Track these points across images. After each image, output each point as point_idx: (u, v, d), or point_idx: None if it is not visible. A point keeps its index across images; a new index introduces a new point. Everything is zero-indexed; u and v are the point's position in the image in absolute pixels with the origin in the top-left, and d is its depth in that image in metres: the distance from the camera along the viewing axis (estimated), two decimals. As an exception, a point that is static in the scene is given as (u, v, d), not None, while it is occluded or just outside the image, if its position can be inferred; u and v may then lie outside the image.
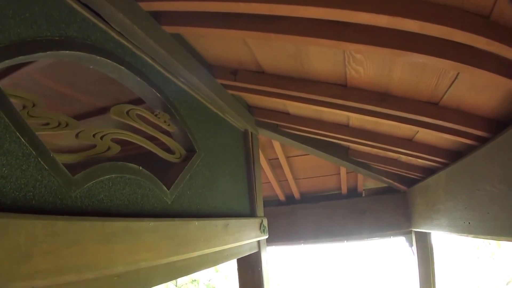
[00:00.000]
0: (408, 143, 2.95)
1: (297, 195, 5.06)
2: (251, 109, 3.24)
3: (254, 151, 3.17)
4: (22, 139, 1.00)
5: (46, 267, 0.95)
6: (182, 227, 1.70)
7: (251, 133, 3.15)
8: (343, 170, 4.45)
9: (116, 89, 2.35)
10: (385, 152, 3.34)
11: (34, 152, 1.03)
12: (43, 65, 2.04)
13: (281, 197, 5.14)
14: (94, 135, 1.40)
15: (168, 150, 1.91)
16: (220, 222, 2.15)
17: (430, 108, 2.14)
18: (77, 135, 1.34)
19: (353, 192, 4.97)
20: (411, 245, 5.04)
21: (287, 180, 4.71)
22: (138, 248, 1.34)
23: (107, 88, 2.49)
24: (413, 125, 2.34)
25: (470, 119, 2.09)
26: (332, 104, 2.39)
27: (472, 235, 2.52)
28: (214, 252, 2.09)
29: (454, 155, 2.78)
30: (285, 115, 3.19)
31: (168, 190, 1.72)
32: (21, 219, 0.91)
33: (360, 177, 4.66)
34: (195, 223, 1.82)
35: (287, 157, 4.29)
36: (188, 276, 18.90)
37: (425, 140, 2.86)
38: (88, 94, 2.58)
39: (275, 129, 3.43)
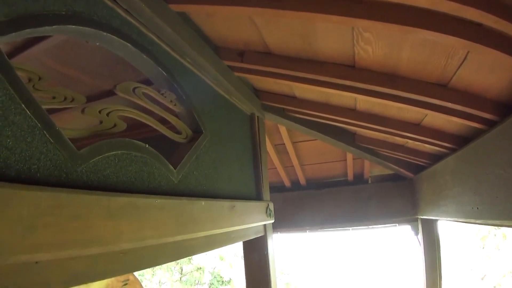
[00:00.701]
0: (416, 127, 2.92)
1: (303, 181, 5.04)
2: (258, 93, 3.22)
3: (261, 135, 3.16)
4: (27, 111, 0.99)
5: (49, 240, 0.94)
6: (188, 206, 1.69)
7: (258, 117, 3.14)
8: (349, 156, 4.43)
9: (122, 71, 2.34)
10: (393, 137, 3.31)
11: (39, 125, 1.02)
12: (48, 46, 2.03)
13: (287, 183, 5.13)
14: (100, 111, 1.38)
15: (175, 130, 1.89)
16: (226, 204, 2.14)
17: (439, 90, 2.12)
18: (82, 111, 1.33)
19: (359, 179, 4.96)
20: (416, 233, 5.02)
21: (293, 166, 4.70)
22: (144, 225, 1.33)
23: (113, 71, 2.48)
24: (421, 107, 2.31)
25: (478, 101, 2.07)
26: (340, 86, 2.37)
27: (480, 221, 2.50)
28: (220, 233, 2.08)
29: (462, 141, 2.75)
30: (292, 99, 3.16)
31: (175, 169, 1.71)
32: (25, 191, 0.90)
33: (366, 163, 4.64)
34: (202, 203, 1.81)
35: (293, 143, 4.27)
36: (193, 264, 19.07)
37: (433, 125, 2.83)
38: (93, 76, 2.56)
39: (282, 113, 3.40)
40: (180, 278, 20.85)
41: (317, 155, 4.64)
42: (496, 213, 2.17)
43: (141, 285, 1.93)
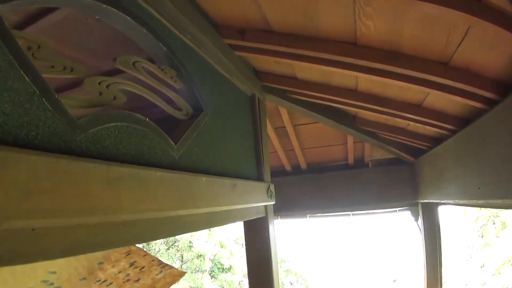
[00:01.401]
0: (417, 108, 2.91)
1: (303, 165, 5.04)
2: (258, 74, 3.20)
3: (261, 116, 3.14)
4: (26, 78, 0.97)
5: (47, 206, 0.93)
6: (190, 182, 1.68)
7: (258, 98, 3.12)
8: (350, 140, 4.43)
9: (123, 52, 2.32)
10: (394, 119, 3.30)
11: (38, 92, 1.01)
12: (46, 25, 2.00)
13: (288, 167, 5.13)
14: (99, 83, 1.37)
15: (175, 107, 1.88)
16: (228, 182, 2.13)
17: (441, 67, 2.10)
18: (82, 81, 1.31)
19: (359, 163, 4.95)
20: (416, 219, 5.03)
21: (293, 149, 4.69)
22: (144, 197, 1.32)
23: (113, 51, 2.46)
24: (423, 85, 2.30)
25: (479, 80, 2.06)
26: (341, 63, 2.35)
27: (482, 201, 2.49)
28: (221, 211, 2.08)
29: (463, 122, 2.74)
30: (293, 80, 3.14)
31: (175, 145, 1.70)
32: (22, 154, 0.89)
33: (367, 147, 4.63)
34: (203, 179, 1.80)
35: (294, 126, 4.25)
36: (193, 251, 19.14)
37: (434, 106, 2.82)
38: (93, 56, 2.54)
39: (282, 95, 3.39)
40: (181, 265, 20.92)
41: (317, 138, 4.63)
42: (498, 192, 2.16)
43: (145, 252, 1.94)
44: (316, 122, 4.12)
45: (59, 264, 1.66)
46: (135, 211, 1.27)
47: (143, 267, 2.07)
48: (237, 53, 2.65)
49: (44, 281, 1.69)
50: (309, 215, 6.17)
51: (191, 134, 1.87)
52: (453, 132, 2.95)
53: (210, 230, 21.50)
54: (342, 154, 4.87)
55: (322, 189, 4.94)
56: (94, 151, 1.18)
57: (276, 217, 3.88)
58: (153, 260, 2.16)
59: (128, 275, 2.09)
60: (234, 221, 2.36)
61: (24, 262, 0.91)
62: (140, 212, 1.30)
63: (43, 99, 1.02)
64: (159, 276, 2.23)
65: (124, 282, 2.09)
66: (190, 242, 19.65)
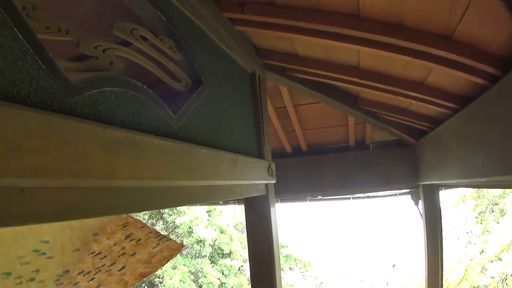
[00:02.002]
0: (420, 86, 2.87)
1: (304, 147, 5.00)
2: (259, 52, 3.16)
3: (262, 94, 3.11)
4: (20, 36, 0.94)
5: (37, 165, 0.89)
6: (189, 152, 1.65)
7: (259, 76, 3.09)
8: (351, 121, 4.38)
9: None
10: (396, 98, 3.26)
11: (31, 50, 0.97)
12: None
13: (288, 149, 5.09)
14: (96, 47, 1.33)
15: (173, 78, 1.84)
16: (228, 156, 2.11)
17: (444, 41, 2.07)
18: (77, 44, 1.27)
19: (361, 145, 4.91)
20: (416, 203, 5.01)
21: (294, 130, 4.65)
22: (142, 164, 1.28)
23: (107, 23, 2.41)
24: (426, 60, 2.26)
25: (482, 55, 2.03)
26: (343, 37, 2.30)
27: (485, 179, 2.46)
28: (222, 185, 2.06)
29: (465, 101, 2.70)
30: (294, 57, 3.10)
31: (174, 116, 1.67)
32: (12, 108, 0.85)
33: (368, 129, 4.59)
34: (203, 151, 1.77)
35: (295, 106, 4.20)
36: (193, 237, 19.20)
37: (437, 84, 2.78)
38: (86, 30, 2.49)
39: (283, 73, 3.34)
40: (181, 252, 20.99)
41: (318, 119, 4.58)
42: (502, 168, 2.13)
43: (142, 224, 1.91)
44: (317, 102, 4.08)
45: (52, 233, 1.63)
46: (132, 177, 1.23)
47: (139, 240, 2.04)
48: (237, 27, 2.61)
49: (36, 251, 1.67)
50: (309, 198, 6.15)
51: (190, 105, 1.83)
52: (455, 111, 2.92)
53: (210, 215, 21.60)
54: (343, 136, 4.83)
55: (323, 171, 4.90)
56: (89, 114, 1.15)
57: (276, 200, 3.85)
58: (150, 232, 2.13)
59: (123, 248, 2.07)
60: (235, 197, 2.34)
61: (13, 224, 0.88)
62: (138, 179, 1.27)
63: (37, 58, 0.98)
64: (156, 249, 2.20)
65: (119, 256, 2.07)
66: (190, 227, 19.70)
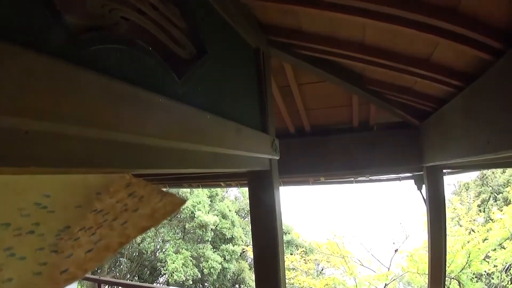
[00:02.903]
0: (425, 63, 2.87)
1: (307, 127, 4.98)
2: (263, 28, 3.14)
3: (266, 70, 3.10)
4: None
5: (41, 107, 0.89)
6: (194, 116, 1.66)
7: (263, 52, 3.08)
8: (355, 102, 4.36)
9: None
10: (401, 76, 3.24)
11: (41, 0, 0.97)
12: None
13: (291, 129, 5.08)
14: (102, 6, 1.33)
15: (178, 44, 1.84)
16: (233, 125, 2.11)
17: (449, 13, 2.07)
18: (85, 2, 1.28)
19: (364, 126, 4.88)
20: (420, 187, 5.01)
21: (297, 110, 4.63)
22: (146, 121, 1.29)
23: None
24: (432, 33, 2.26)
25: (486, 28, 2.04)
26: (349, 8, 2.30)
27: (491, 155, 2.46)
28: (225, 154, 2.06)
29: (469, 79, 2.71)
30: (298, 33, 3.09)
31: (179, 80, 1.67)
32: (18, 49, 0.85)
33: (372, 109, 4.56)
34: (207, 116, 1.78)
35: (299, 85, 4.18)
36: (195, 221, 19.31)
37: (442, 60, 2.78)
38: None
39: (288, 49, 3.33)
40: (183, 236, 21.15)
41: (322, 99, 4.55)
42: (508, 143, 2.13)
43: (146, 183, 1.91)
44: (321, 82, 4.06)
45: (54, 188, 1.64)
46: (136, 132, 1.24)
47: (142, 197, 2.04)
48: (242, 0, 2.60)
49: (37, 204, 1.67)
50: (312, 181, 6.17)
51: (194, 73, 1.83)
52: (459, 90, 2.92)
53: (212, 201, 21.71)
54: (347, 117, 4.80)
55: (326, 152, 4.89)
56: (94, 68, 1.14)
57: (279, 183, 3.85)
58: (153, 189, 2.13)
59: (126, 205, 2.07)
60: (238, 168, 2.35)
61: (15, 164, 0.88)
62: (141, 135, 1.27)
63: (45, 8, 0.98)
64: (159, 205, 2.20)
65: (121, 212, 2.07)
66: (192, 212, 19.82)
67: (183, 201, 1.84)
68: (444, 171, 4.59)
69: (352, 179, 6.08)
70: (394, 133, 4.72)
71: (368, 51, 2.95)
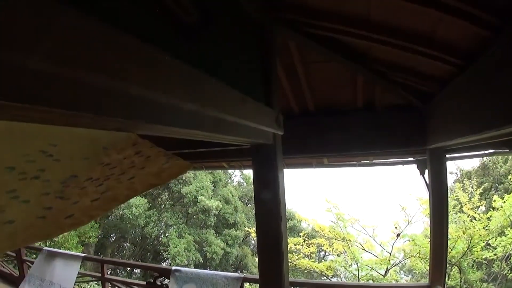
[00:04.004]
0: (428, 41, 2.88)
1: (311, 108, 4.97)
2: (269, 4, 3.14)
3: (271, 47, 3.12)
4: None
5: (56, 51, 0.91)
6: (199, 78, 1.67)
7: (268, 27, 3.09)
8: (359, 82, 4.35)
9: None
10: (404, 55, 3.25)
11: None
12: None
13: (295, 110, 5.07)
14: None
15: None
16: (238, 94, 2.13)
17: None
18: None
19: (368, 107, 4.86)
20: (423, 172, 5.02)
21: (302, 90, 4.63)
22: (153, 76, 1.31)
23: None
24: (434, 8, 2.28)
25: (487, 4, 2.08)
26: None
27: (494, 130, 2.47)
28: (230, 121, 2.08)
29: (470, 57, 2.74)
30: (304, 9, 3.09)
31: (183, 43, 1.69)
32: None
33: (377, 90, 4.54)
34: (213, 80, 1.80)
35: (303, 64, 4.17)
36: (198, 206, 19.35)
37: (444, 37, 2.79)
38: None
39: (293, 27, 3.34)
40: (186, 221, 21.21)
41: (327, 79, 4.54)
42: (510, 118, 2.15)
43: (151, 143, 1.94)
44: (326, 61, 4.06)
45: (61, 138, 1.67)
46: (143, 86, 1.26)
47: (149, 156, 2.08)
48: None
49: (43, 152, 1.70)
50: (315, 164, 6.17)
51: (200, 39, 1.85)
52: (462, 69, 2.95)
53: (215, 186, 21.76)
54: (351, 97, 4.79)
55: (330, 133, 4.87)
56: (105, 21, 1.16)
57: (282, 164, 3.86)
58: (159, 152, 2.16)
59: (133, 162, 2.11)
60: (242, 137, 2.36)
61: (29, 101, 0.90)
62: (149, 88, 1.29)
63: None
64: (166, 165, 2.23)
65: (129, 168, 2.11)
66: (195, 197, 19.86)
67: (189, 165, 1.87)
68: (447, 156, 4.58)
69: (355, 162, 6.09)
70: (398, 115, 4.70)
71: (373, 28, 2.96)
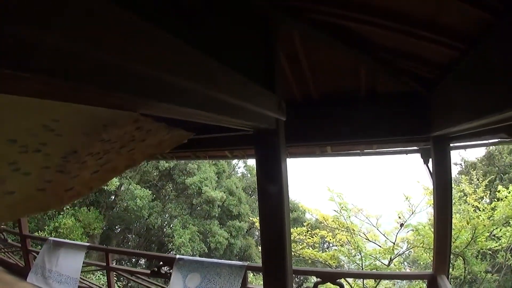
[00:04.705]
0: (430, 25, 2.87)
1: (314, 96, 4.95)
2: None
3: (274, 34, 3.12)
4: None
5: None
6: (201, 60, 1.69)
7: (270, 14, 3.08)
8: (363, 69, 4.33)
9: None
10: (407, 40, 3.23)
11: None
12: None
13: (299, 99, 5.06)
14: None
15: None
16: (240, 77, 2.13)
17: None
18: None
19: (372, 95, 4.84)
20: (426, 161, 5.02)
21: (305, 79, 4.62)
22: (154, 54, 1.32)
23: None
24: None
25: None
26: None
27: (497, 114, 2.47)
28: (232, 104, 2.08)
29: (473, 41, 2.75)
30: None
31: (184, 24, 1.70)
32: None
33: (380, 78, 4.52)
34: (215, 64, 1.80)
35: (307, 53, 4.16)
36: (202, 197, 19.42)
37: (447, 21, 2.79)
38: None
39: (296, 13, 3.32)
40: (190, 212, 21.30)
41: (330, 67, 4.52)
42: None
43: (153, 119, 1.95)
44: (329, 50, 4.04)
45: (63, 114, 1.68)
46: (144, 63, 1.26)
47: (149, 130, 2.09)
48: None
49: (45, 126, 1.72)
50: (319, 153, 6.17)
51: (202, 22, 1.86)
52: (464, 54, 2.96)
53: (219, 177, 21.84)
54: (355, 85, 4.77)
55: (333, 121, 4.87)
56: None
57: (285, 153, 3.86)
58: (160, 125, 2.18)
59: (133, 136, 2.12)
60: (244, 120, 2.36)
61: (29, 70, 0.90)
62: (149, 65, 1.29)
63: None
64: (166, 137, 2.25)
65: (128, 142, 2.12)
66: (199, 188, 19.94)
67: (189, 134, 1.88)
68: (451, 145, 4.58)
69: (359, 151, 6.08)
70: (402, 103, 4.68)
71: (376, 12, 2.95)
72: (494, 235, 11.03)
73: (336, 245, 12.32)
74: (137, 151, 2.10)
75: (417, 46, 3.41)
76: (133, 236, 22.13)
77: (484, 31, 2.46)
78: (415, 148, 5.42)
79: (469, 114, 2.94)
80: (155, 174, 21.92)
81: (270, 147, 3.05)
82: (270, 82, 2.95)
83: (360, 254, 10.72)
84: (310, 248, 12.17)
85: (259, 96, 2.51)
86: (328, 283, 5.61)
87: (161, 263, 6.53)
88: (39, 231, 16.00)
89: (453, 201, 6.91)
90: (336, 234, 11.80)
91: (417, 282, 11.10)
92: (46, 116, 1.65)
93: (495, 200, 10.99)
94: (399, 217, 11.01)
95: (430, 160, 4.79)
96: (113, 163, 2.07)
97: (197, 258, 6.46)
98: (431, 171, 4.73)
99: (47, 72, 0.93)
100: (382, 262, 10.68)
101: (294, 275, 5.46)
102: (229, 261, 6.11)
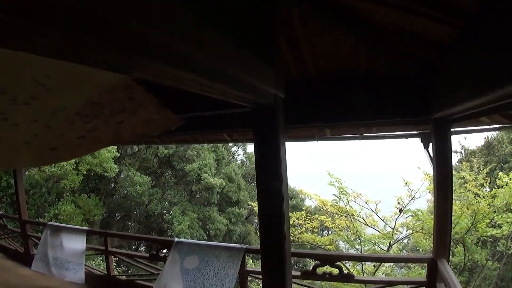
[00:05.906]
0: (430, 1, 2.83)
1: (313, 77, 4.91)
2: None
3: (273, 11, 3.09)
4: None
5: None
6: (197, 22, 1.65)
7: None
8: (362, 50, 4.29)
9: None
10: (407, 18, 3.20)
11: None
12: None
13: (297, 79, 5.01)
14: None
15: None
16: (235, 46, 2.09)
17: None
18: None
19: (371, 76, 4.79)
20: (427, 146, 4.98)
21: (304, 61, 4.58)
22: (148, 12, 1.29)
23: None
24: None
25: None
26: None
27: (499, 91, 2.44)
28: (229, 74, 2.04)
29: (473, 17, 2.71)
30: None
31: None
32: None
33: (380, 59, 4.47)
34: (210, 31, 1.77)
35: (306, 33, 4.10)
36: (202, 184, 19.47)
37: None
38: None
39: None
40: (190, 198, 21.35)
41: (329, 48, 4.47)
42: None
43: (145, 91, 1.92)
44: (328, 29, 3.99)
45: (56, 71, 1.65)
46: (137, 21, 1.23)
47: (141, 103, 2.06)
48: None
49: (35, 81, 1.70)
50: (318, 136, 6.13)
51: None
52: (466, 32, 2.93)
53: (218, 164, 21.88)
54: (354, 66, 4.72)
55: (333, 102, 4.82)
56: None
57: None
58: (152, 99, 2.15)
59: (124, 106, 2.09)
60: (241, 92, 2.32)
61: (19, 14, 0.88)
62: (143, 25, 1.26)
63: None
64: (156, 116, 2.22)
65: (119, 112, 2.10)
66: (198, 175, 20.00)
67: (177, 121, 1.85)
68: (452, 130, 4.55)
69: (358, 135, 6.04)
70: (402, 84, 4.62)
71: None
72: (495, 222, 11.01)
73: (335, 231, 12.33)
74: (125, 125, 2.07)
75: (417, 24, 3.36)
76: (133, 223, 22.21)
77: (485, 6, 2.42)
78: (415, 132, 5.37)
79: (470, 92, 2.91)
80: (154, 161, 21.97)
81: (268, 126, 3.01)
82: (269, 58, 2.92)
83: (360, 239, 10.74)
84: (309, 233, 12.19)
85: (257, 68, 2.47)
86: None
87: (160, 246, 6.53)
88: (39, 218, 16.07)
89: (453, 187, 6.88)
90: (336, 220, 11.81)
91: (416, 268, 11.15)
92: (38, 71, 1.62)
93: (495, 187, 10.96)
94: (398, 203, 11.01)
95: (430, 144, 4.76)
96: (100, 132, 2.05)
97: (196, 241, 6.46)
98: (431, 155, 4.70)
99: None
100: (381, 248, 10.70)
101: (293, 260, 5.45)
102: (228, 244, 6.11)
